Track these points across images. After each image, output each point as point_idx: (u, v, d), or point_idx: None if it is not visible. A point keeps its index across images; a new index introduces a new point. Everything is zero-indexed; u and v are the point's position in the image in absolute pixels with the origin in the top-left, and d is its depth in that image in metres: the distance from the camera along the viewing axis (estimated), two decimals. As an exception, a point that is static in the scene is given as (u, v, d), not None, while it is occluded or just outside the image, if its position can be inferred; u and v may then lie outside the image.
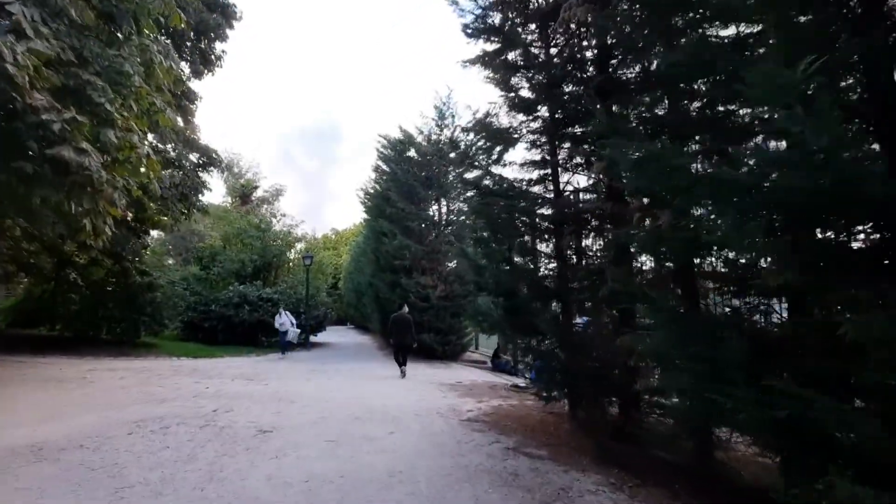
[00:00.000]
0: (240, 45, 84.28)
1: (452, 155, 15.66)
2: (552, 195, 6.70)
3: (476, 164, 7.48)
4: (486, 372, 13.19)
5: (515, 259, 6.68)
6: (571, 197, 6.71)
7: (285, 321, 15.96)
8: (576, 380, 5.98)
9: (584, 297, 6.12)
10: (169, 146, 14.49)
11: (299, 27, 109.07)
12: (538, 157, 7.04)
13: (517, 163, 7.32)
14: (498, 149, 7.34)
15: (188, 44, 16.11)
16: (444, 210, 16.00)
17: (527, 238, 6.81)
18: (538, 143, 7.15)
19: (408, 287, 14.37)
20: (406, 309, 11.99)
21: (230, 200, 36.54)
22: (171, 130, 14.09)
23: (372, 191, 19.28)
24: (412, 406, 7.38)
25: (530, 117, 7.16)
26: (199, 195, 15.69)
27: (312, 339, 22.07)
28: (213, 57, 16.62)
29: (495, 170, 7.42)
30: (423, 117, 15.75)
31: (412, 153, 16.19)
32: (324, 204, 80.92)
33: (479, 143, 8.26)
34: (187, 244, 23.98)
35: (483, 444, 5.31)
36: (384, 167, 17.40)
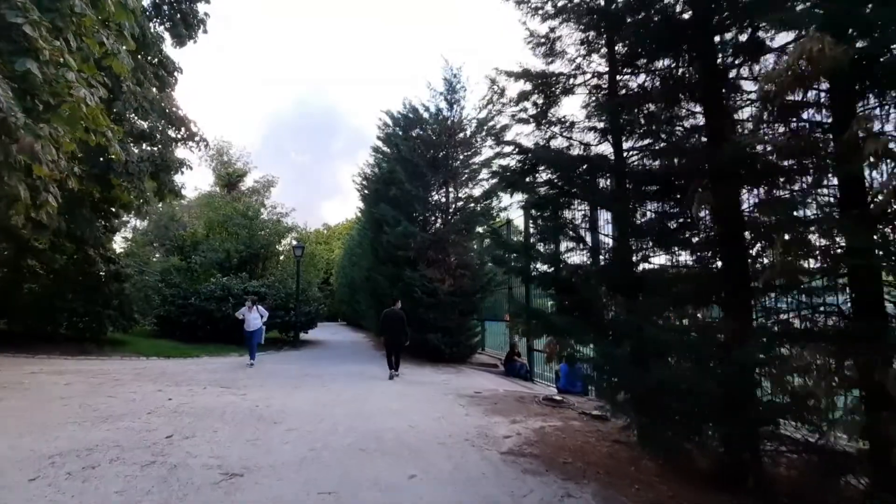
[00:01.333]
0: (230, 35, 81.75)
1: (463, 134, 14.00)
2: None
3: (522, 117, 5.82)
4: (501, 378, 11.57)
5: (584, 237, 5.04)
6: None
7: (252, 317, 11.49)
8: (656, 399, 4.37)
9: (690, 286, 4.46)
10: (139, 118, 12.62)
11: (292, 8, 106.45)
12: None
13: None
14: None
15: (165, 7, 14.29)
16: (452, 196, 14.31)
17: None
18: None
19: (412, 281, 12.68)
20: (399, 304, 10.84)
21: (218, 190, 34.52)
22: (143, 98, 12.28)
23: (371, 175, 17.52)
24: (432, 429, 5.72)
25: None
26: (175, 174, 13.85)
27: (303, 336, 20.31)
28: (194, 20, 14.78)
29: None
30: (431, 90, 13.92)
31: (418, 132, 14.45)
32: (316, 200, 78.94)
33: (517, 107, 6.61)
34: (172, 235, 22.03)
35: (551, 500, 3.66)
36: (385, 148, 15.67)
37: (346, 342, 21.35)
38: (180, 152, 14.12)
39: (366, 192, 18.34)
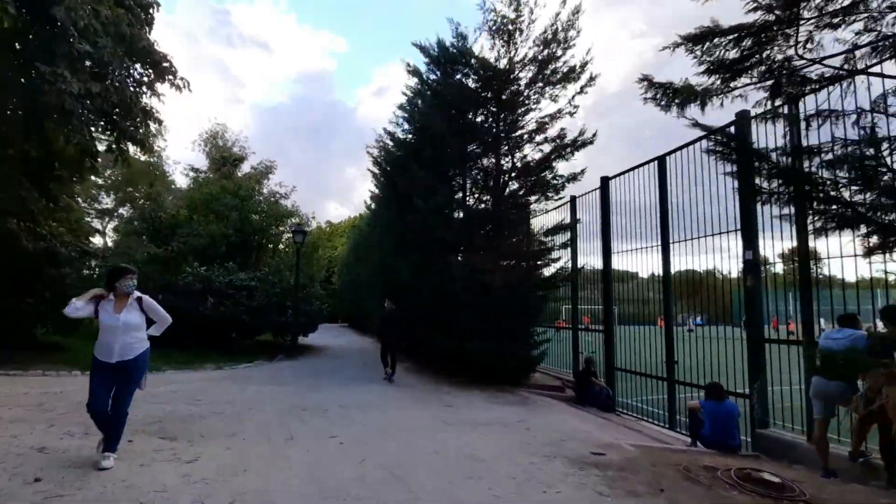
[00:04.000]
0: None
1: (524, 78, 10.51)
2: None
3: None
4: (583, 410, 8.10)
5: None
6: None
7: (122, 321, 4.14)
8: None
9: None
10: (81, 39, 9.12)
11: None
12: None
13: None
14: None
15: None
16: (507, 162, 10.79)
17: None
18: None
19: (453, 271, 9.21)
20: (392, 305, 10.28)
21: (212, 176, 30.86)
22: (91, 15, 8.83)
23: (391, 142, 14.00)
24: None
25: None
26: (139, 124, 10.37)
27: (302, 340, 16.80)
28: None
29: None
30: (486, 11, 10.28)
31: (462, 76, 10.93)
32: (317, 199, 75.98)
33: None
34: (147, 217, 18.51)
35: None
36: (416, 100, 12.15)
37: (352, 349, 17.81)
38: (144, 96, 10.56)
39: (383, 168, 14.86)
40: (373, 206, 20.19)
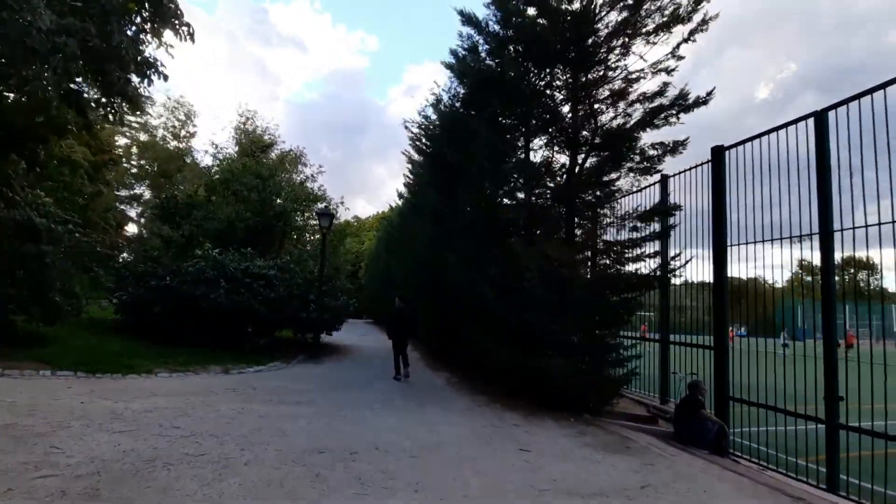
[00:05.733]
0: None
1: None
2: None
3: None
4: (699, 456, 5.80)
5: None
6: None
7: None
8: None
9: None
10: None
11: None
12: None
13: None
14: None
15: None
16: (591, 124, 8.50)
17: None
18: None
19: (524, 261, 7.02)
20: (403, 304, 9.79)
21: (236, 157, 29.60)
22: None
23: (434, 115, 11.87)
24: None
25: None
26: (138, 77, 8.57)
27: (325, 339, 14.96)
28: None
29: None
30: None
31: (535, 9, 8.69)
32: (347, 197, 75.71)
33: None
34: (160, 196, 17.02)
35: None
36: (469, 57, 9.97)
37: (383, 350, 15.81)
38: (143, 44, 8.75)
39: (424, 144, 12.81)
40: (405, 195, 18.18)
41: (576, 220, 7.86)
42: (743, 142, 7.33)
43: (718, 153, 7.68)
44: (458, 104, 10.45)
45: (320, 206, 17.00)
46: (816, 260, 6.07)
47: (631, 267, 7.59)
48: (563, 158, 8.62)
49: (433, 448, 4.87)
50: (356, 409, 6.45)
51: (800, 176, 6.41)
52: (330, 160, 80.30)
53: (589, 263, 7.53)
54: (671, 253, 7.94)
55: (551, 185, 8.21)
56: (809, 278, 6.50)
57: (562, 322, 6.99)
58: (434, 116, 12.11)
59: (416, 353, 15.40)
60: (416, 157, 14.95)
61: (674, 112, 7.77)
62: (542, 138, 8.71)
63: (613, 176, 8.26)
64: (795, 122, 6.46)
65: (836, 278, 6.04)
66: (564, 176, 8.23)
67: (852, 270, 7.99)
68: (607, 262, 7.74)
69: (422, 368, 11.69)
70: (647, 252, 7.79)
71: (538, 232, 7.69)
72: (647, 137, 8.36)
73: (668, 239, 8.31)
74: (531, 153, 8.96)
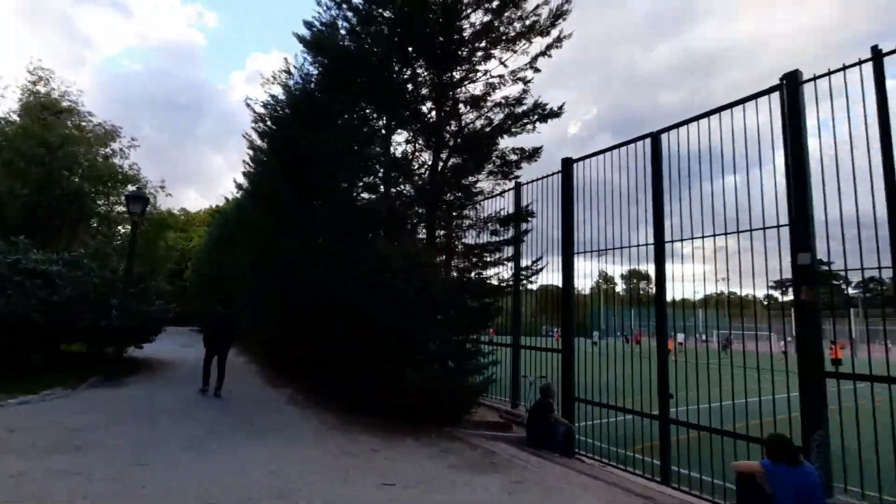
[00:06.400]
0: None
1: None
2: None
3: None
4: (546, 462, 5.86)
5: None
6: None
7: None
8: None
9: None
10: None
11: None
12: None
13: None
14: None
15: None
16: (447, 132, 8.19)
17: None
18: None
19: (392, 263, 6.35)
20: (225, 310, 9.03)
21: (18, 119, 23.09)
22: None
23: (283, 93, 10.45)
24: None
25: None
26: None
27: (134, 353, 12.21)
28: None
29: None
30: None
31: None
32: (173, 185, 65.02)
33: None
34: None
35: None
36: (328, 31, 8.87)
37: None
38: None
39: (272, 128, 11.25)
40: (245, 185, 16.03)
41: (437, 220, 7.49)
42: (590, 155, 7.79)
43: (568, 164, 8.08)
44: (312, 84, 9.31)
45: (131, 188, 13.90)
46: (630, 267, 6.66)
47: (491, 271, 7.51)
48: (425, 156, 8.22)
49: (278, 495, 3.86)
50: (166, 453, 4.97)
51: (637, 190, 7.04)
52: (153, 141, 68.54)
53: (451, 266, 7.21)
54: (526, 259, 8.12)
55: (413, 182, 7.71)
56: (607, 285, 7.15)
57: (425, 327, 6.50)
58: (283, 96, 10.71)
59: (253, 365, 13.53)
60: (258, 141, 13.18)
61: (532, 120, 7.94)
62: (404, 133, 8.19)
63: (474, 179, 8.15)
64: (635, 140, 7.04)
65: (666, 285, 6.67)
66: (427, 174, 7.82)
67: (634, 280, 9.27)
68: (467, 265, 7.53)
69: (261, 385, 10.13)
70: (506, 256, 7.81)
71: (399, 231, 7.11)
72: (506, 144, 8.46)
73: (520, 245, 8.51)
74: (392, 148, 8.38)
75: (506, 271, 7.66)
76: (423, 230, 7.20)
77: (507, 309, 8.44)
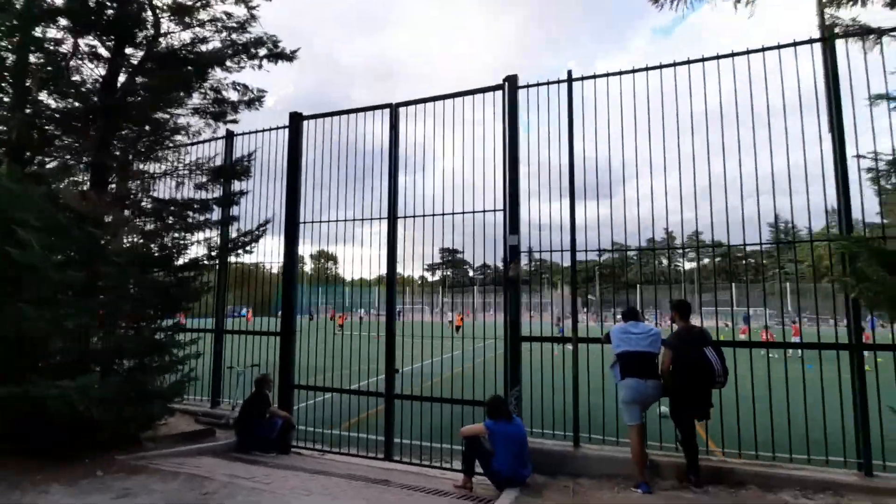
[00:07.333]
0: None
1: None
2: None
3: None
4: (253, 466, 5.02)
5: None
6: None
7: None
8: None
9: None
10: None
11: None
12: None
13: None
14: None
15: None
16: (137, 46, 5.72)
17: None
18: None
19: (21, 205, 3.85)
20: None
21: None
22: None
23: None
24: None
25: None
26: None
27: None
28: None
29: None
30: None
31: None
32: None
33: None
34: None
35: None
36: None
37: None
38: None
39: None
40: None
41: (111, 159, 5.18)
42: (323, 115, 7.05)
43: (297, 120, 7.09)
44: None
45: None
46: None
47: (195, 238, 5.75)
48: (99, 70, 5.56)
49: None
50: None
51: (374, 163, 6.75)
52: None
53: (141, 228, 5.12)
54: (244, 226, 6.67)
55: (75, 96, 5.08)
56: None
57: (84, 315, 4.34)
58: None
59: None
60: None
61: (259, 55, 6.51)
62: (65, 21, 5.30)
63: (173, 113, 6.08)
64: (374, 108, 6.71)
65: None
66: (98, 86, 5.29)
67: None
68: (159, 226, 5.55)
69: None
70: (215, 219, 6.17)
71: (44, 161, 4.52)
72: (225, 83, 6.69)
73: (231, 207, 6.97)
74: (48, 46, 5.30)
75: (213, 240, 6.04)
76: (90, 171, 4.82)
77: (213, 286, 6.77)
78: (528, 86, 5.92)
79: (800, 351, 11.97)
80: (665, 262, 45.95)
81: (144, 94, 5.51)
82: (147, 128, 5.63)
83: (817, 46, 4.79)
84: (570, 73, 5.76)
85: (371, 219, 6.46)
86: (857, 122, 4.47)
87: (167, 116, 6.07)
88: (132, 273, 4.97)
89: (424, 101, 6.37)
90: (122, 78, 5.34)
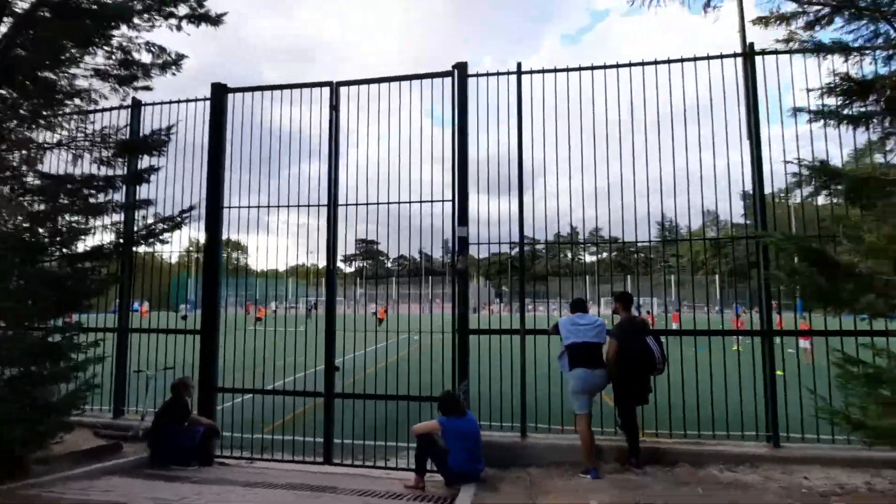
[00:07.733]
0: None
1: None
2: None
3: None
4: (177, 482, 4.49)
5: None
6: None
7: None
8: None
9: None
10: None
11: None
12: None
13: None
14: None
15: None
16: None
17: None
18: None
19: None
20: None
21: None
22: None
23: None
24: None
25: None
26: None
27: None
28: None
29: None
30: None
31: None
32: None
33: None
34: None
35: None
36: None
37: None
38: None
39: None
40: None
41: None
42: (252, 89, 6.41)
43: (220, 91, 6.37)
44: None
45: None
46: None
47: (97, 223, 4.89)
48: None
49: None
50: None
51: (311, 145, 6.27)
52: None
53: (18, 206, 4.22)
54: (159, 210, 5.82)
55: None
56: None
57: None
58: None
59: None
60: None
61: (178, 14, 5.68)
62: None
63: (68, 72, 5.09)
64: (311, 85, 6.22)
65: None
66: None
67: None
68: (50, 207, 4.64)
69: None
70: (121, 202, 5.31)
71: None
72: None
73: (141, 186, 6.08)
74: None
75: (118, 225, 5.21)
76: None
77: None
78: (477, 75, 5.82)
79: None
80: (570, 255, 49.11)
81: (31, 48, 4.54)
82: (32, 88, 4.65)
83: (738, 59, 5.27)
84: (519, 65, 5.77)
85: (309, 206, 5.99)
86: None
87: (59, 77, 5.07)
88: (13, 262, 4.10)
89: (368, 81, 6.01)
90: (2, 28, 4.34)
